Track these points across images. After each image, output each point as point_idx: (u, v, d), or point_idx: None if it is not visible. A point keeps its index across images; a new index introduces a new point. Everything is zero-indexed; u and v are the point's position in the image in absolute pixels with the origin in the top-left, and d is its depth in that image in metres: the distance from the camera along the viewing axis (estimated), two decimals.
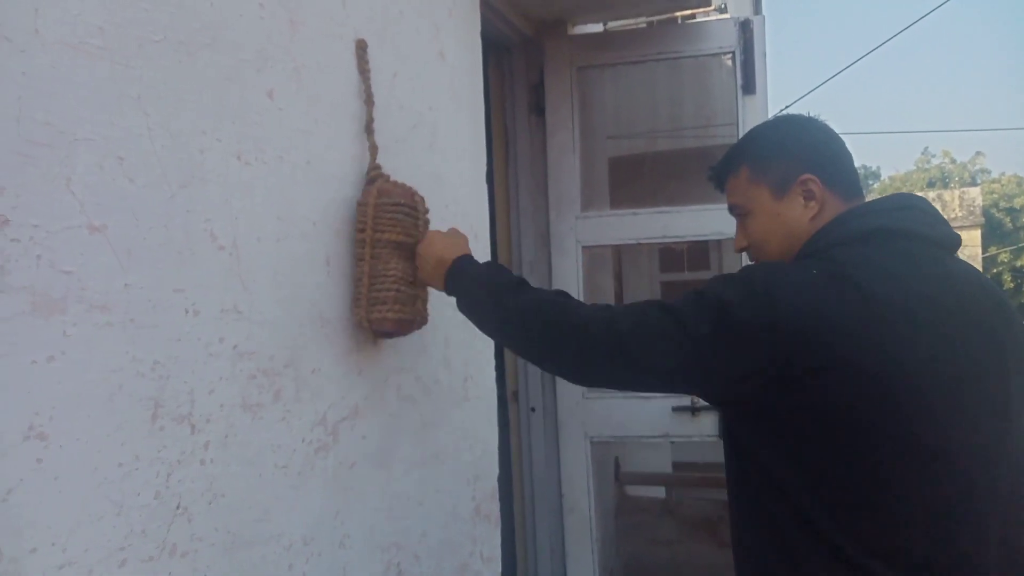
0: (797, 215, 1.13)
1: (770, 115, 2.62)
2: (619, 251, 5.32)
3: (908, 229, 1.04)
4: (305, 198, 1.23)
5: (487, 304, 1.24)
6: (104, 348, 0.88)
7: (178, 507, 0.97)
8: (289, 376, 1.18)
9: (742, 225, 1.20)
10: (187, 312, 1.00)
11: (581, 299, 2.68)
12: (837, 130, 1.21)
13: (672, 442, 4.55)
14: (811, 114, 1.20)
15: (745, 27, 2.55)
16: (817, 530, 0.96)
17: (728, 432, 1.11)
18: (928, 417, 0.94)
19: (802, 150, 1.14)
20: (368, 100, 1.37)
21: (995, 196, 25.52)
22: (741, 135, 2.58)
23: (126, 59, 0.92)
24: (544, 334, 1.14)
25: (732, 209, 1.22)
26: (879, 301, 0.95)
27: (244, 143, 1.10)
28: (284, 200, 1.18)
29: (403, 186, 1.36)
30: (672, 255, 7.75)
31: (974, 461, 0.96)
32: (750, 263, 1.14)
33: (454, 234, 1.37)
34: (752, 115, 2.56)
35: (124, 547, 0.89)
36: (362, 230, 1.30)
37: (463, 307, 1.30)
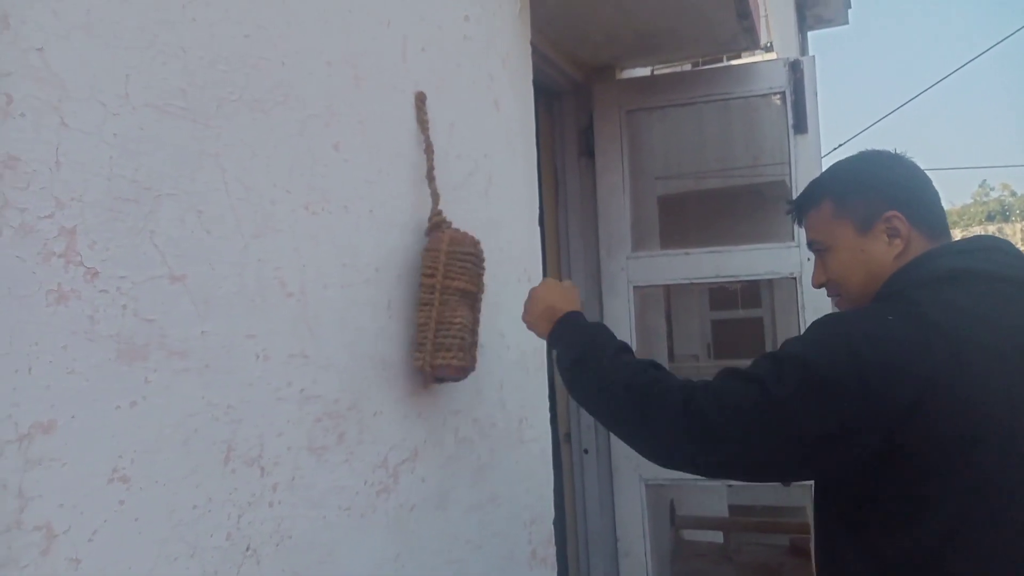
0: (880, 252, 1.11)
1: (823, 153, 2.61)
2: (669, 290, 5.28)
3: (992, 271, 1.02)
4: (368, 245, 1.27)
5: (582, 363, 1.22)
6: (182, 393, 0.92)
7: (248, 548, 1.00)
8: (352, 419, 1.21)
9: (821, 261, 1.19)
10: (258, 357, 1.03)
11: (633, 339, 2.69)
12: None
13: (729, 485, 4.45)
14: (896, 151, 1.18)
15: (795, 67, 2.55)
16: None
17: (820, 493, 1.08)
18: (1019, 460, 0.92)
19: (888, 186, 1.12)
20: (428, 149, 1.41)
21: None
22: (793, 173, 2.57)
23: (206, 119, 0.97)
24: (626, 406, 1.11)
25: (811, 244, 1.20)
26: (961, 342, 0.93)
27: (312, 194, 1.15)
28: (349, 248, 1.22)
29: (469, 235, 1.40)
30: (723, 293, 7.67)
31: None
32: (822, 316, 1.11)
33: (569, 288, 1.38)
34: (804, 153, 2.55)
35: None
36: (431, 275, 1.33)
37: (560, 356, 1.29)
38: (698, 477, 2.73)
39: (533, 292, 1.37)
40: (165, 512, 0.89)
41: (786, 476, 1.08)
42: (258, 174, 1.05)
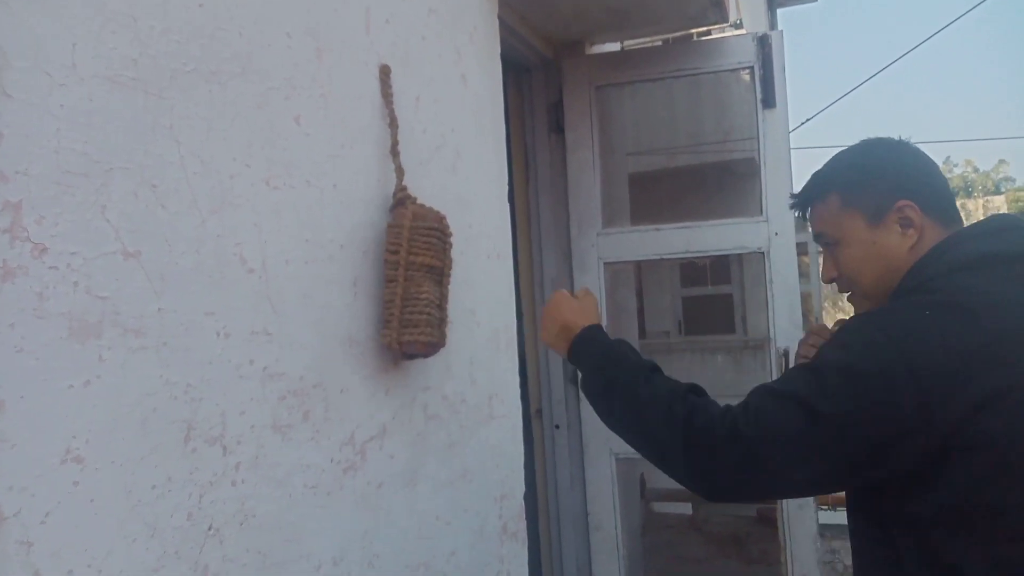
0: (894, 244, 1.07)
1: (790, 128, 2.62)
2: (640, 267, 5.31)
3: (1011, 252, 0.99)
4: (332, 221, 1.25)
5: (611, 390, 1.15)
6: (138, 372, 0.90)
7: (210, 528, 0.99)
8: (318, 397, 1.19)
9: (831, 255, 1.14)
10: (218, 335, 1.01)
11: (604, 316, 2.70)
12: (854, 141, 1.17)
13: None
14: (901, 138, 1.14)
15: (763, 42, 2.55)
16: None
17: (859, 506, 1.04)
18: None
19: (897, 175, 1.08)
20: (392, 123, 1.39)
21: (1020, 204, 25.17)
22: (762, 148, 2.58)
23: (159, 90, 0.94)
24: (665, 438, 1.03)
25: (819, 238, 1.16)
26: (1000, 329, 0.90)
27: (273, 168, 1.12)
28: (312, 223, 1.20)
29: (433, 210, 1.38)
30: (694, 270, 7.72)
31: None
32: (845, 320, 1.06)
33: (583, 297, 1.32)
34: (773, 128, 2.56)
35: (158, 569, 0.91)
36: (395, 252, 1.31)
37: (585, 380, 1.23)
38: None
39: (546, 311, 1.31)
40: (122, 493, 0.87)
41: (830, 490, 1.02)
42: (215, 147, 1.02)
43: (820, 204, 1.15)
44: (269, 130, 1.12)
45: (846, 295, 1.19)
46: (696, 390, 1.08)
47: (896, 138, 1.15)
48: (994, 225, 1.04)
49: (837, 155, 1.17)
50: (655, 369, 1.15)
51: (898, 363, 0.89)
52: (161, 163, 0.94)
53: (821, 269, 1.19)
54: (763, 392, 0.99)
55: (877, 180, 1.09)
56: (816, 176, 1.17)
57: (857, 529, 1.07)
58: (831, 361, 0.94)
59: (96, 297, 0.85)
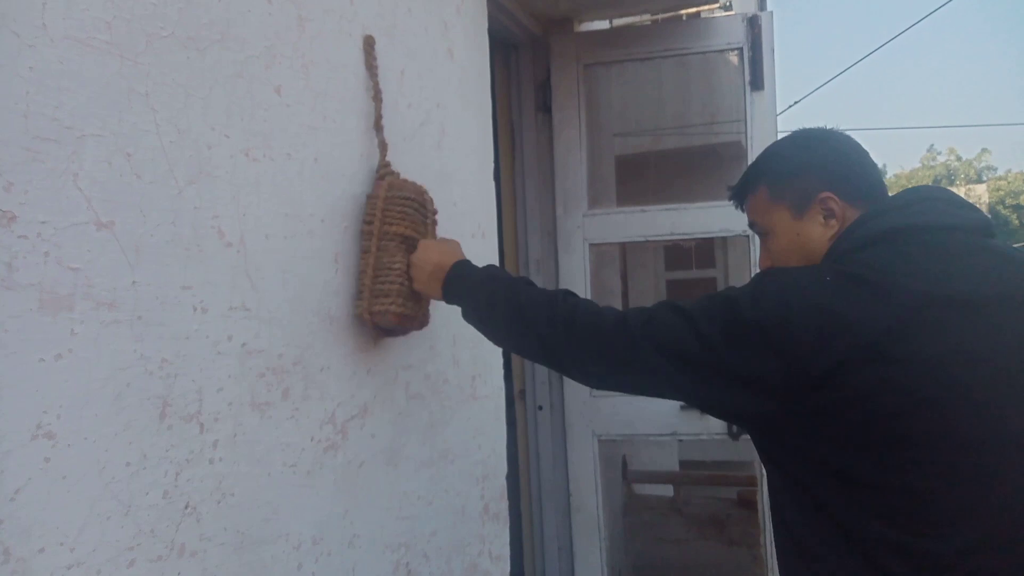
0: (817, 235, 1.12)
1: (778, 111, 2.61)
2: (625, 249, 5.30)
3: (930, 223, 1.02)
4: (313, 195, 1.22)
5: (490, 306, 1.23)
6: (112, 346, 0.87)
7: (187, 506, 0.97)
8: (298, 374, 1.17)
9: (764, 244, 1.20)
10: (195, 310, 0.99)
11: (588, 297, 2.69)
12: (843, 127, 1.20)
13: (680, 440, 4.54)
14: (829, 126, 1.18)
15: (753, 23, 2.53)
16: (855, 529, 0.95)
17: (760, 449, 1.09)
18: (966, 407, 0.92)
19: (820, 167, 1.13)
20: (376, 97, 1.36)
21: (1001, 193, 25.44)
22: (749, 131, 2.57)
23: (134, 55, 0.91)
24: (553, 333, 1.13)
25: (752, 227, 1.21)
26: (898, 295, 0.93)
27: (252, 139, 1.09)
28: (292, 197, 1.17)
29: (413, 183, 1.35)
30: (678, 253, 7.73)
31: (1017, 450, 0.93)
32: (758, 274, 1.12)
33: (447, 241, 1.36)
34: (760, 111, 2.55)
35: (133, 547, 0.89)
36: (369, 222, 1.29)
37: (466, 312, 1.29)
38: (651, 433, 2.77)
39: (413, 259, 1.32)
40: (95, 469, 0.85)
41: (706, 409, 1.11)
42: (193, 116, 0.99)
43: (752, 196, 1.20)
44: (249, 100, 1.09)
45: None
46: (570, 293, 1.18)
47: (825, 128, 1.18)
48: (912, 196, 1.08)
49: (768, 147, 1.22)
50: (529, 282, 1.24)
51: (776, 313, 0.95)
52: (136, 131, 0.91)
53: (759, 257, 1.24)
54: (664, 303, 1.07)
55: (801, 173, 1.13)
56: (749, 169, 1.22)
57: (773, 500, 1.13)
58: (726, 293, 1.02)
59: (67, 268, 0.83)
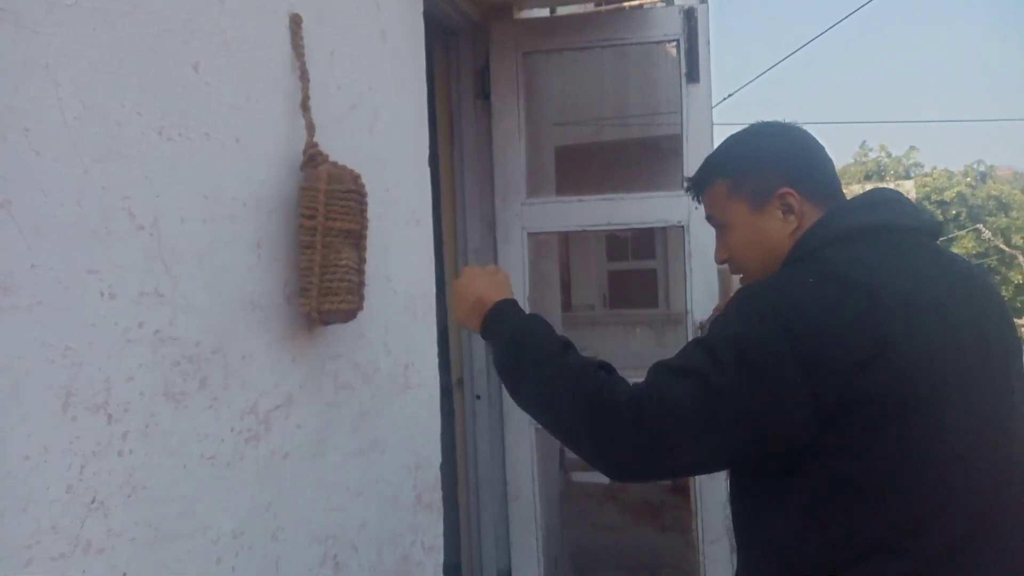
0: (776, 230, 1.11)
1: (713, 103, 2.64)
2: (567, 239, 5.33)
3: (890, 222, 1.05)
4: (234, 178, 1.18)
5: (520, 365, 1.14)
6: (9, 332, 0.82)
7: (93, 501, 0.92)
8: (217, 363, 1.13)
9: (721, 237, 1.19)
10: (102, 295, 0.94)
11: (525, 287, 2.68)
12: (771, 118, 1.21)
13: None
14: (787, 120, 1.18)
15: (690, 15, 2.55)
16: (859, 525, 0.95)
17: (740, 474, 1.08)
18: (951, 402, 0.94)
19: (778, 162, 1.13)
20: (303, 76, 1.32)
21: (927, 189, 26.44)
22: (685, 123, 2.60)
23: (32, 23, 0.85)
24: (573, 417, 1.03)
25: (710, 219, 1.21)
26: (882, 294, 0.95)
27: (167, 118, 1.04)
28: (211, 179, 1.13)
29: (348, 169, 1.31)
30: (620, 244, 7.82)
31: (997, 438, 0.98)
32: (740, 288, 1.08)
33: (494, 272, 1.31)
34: (696, 103, 2.58)
35: (31, 544, 0.84)
36: (311, 216, 1.24)
37: (496, 353, 1.21)
38: None
39: (456, 287, 1.29)
40: None
41: (738, 463, 1.05)
42: (100, 91, 0.94)
43: (709, 189, 1.19)
44: (163, 76, 1.04)
45: (738, 276, 1.24)
46: (606, 367, 1.07)
47: (783, 122, 1.18)
48: (878, 197, 1.10)
49: (726, 140, 1.22)
50: (568, 346, 1.13)
51: (783, 340, 0.92)
52: (35, 104, 0.86)
53: (715, 250, 1.22)
54: (661, 369, 1.00)
55: (759, 168, 1.13)
56: (707, 161, 1.21)
57: (739, 505, 1.10)
58: (721, 334, 0.97)
59: None
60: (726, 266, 1.24)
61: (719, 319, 1.01)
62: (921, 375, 0.93)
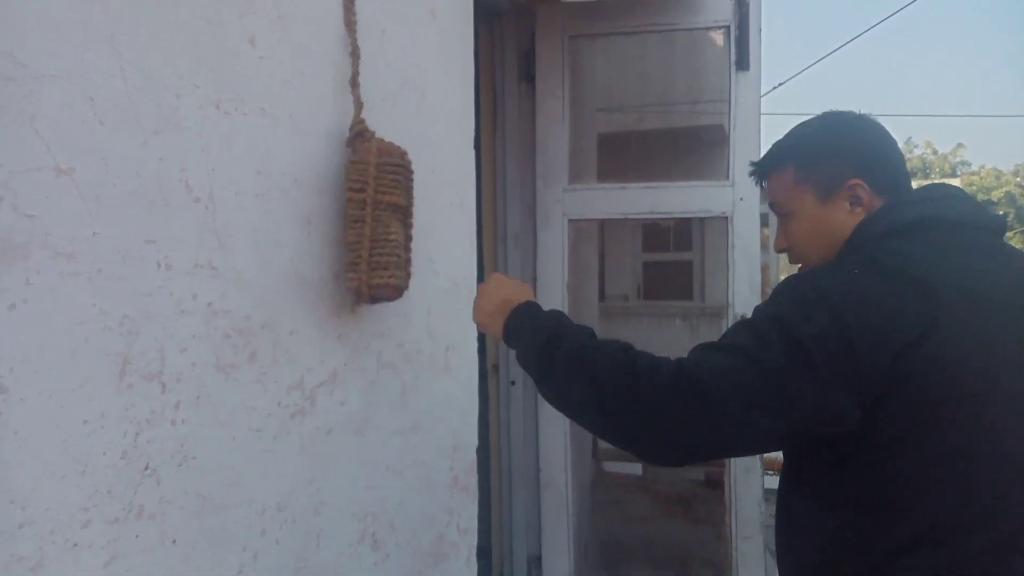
0: (842, 220, 1.09)
1: (762, 92, 2.59)
2: (603, 230, 5.28)
3: (955, 218, 1.03)
4: (287, 153, 1.18)
5: (550, 344, 1.10)
6: (69, 299, 0.84)
7: (146, 468, 0.94)
8: (266, 337, 1.14)
9: (784, 225, 1.17)
10: (159, 265, 0.95)
11: (565, 274, 2.67)
12: (820, 110, 1.18)
13: None
14: (862, 112, 1.15)
15: (741, 1, 2.50)
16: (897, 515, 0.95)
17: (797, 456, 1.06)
18: (1002, 399, 0.93)
19: (851, 152, 1.10)
20: (354, 52, 1.31)
21: (974, 188, 25.80)
22: (733, 111, 2.55)
23: None
24: (613, 389, 0.99)
25: (773, 206, 1.18)
26: (931, 289, 0.93)
27: (223, 91, 1.05)
28: (264, 154, 1.13)
29: (396, 145, 1.31)
30: (656, 234, 7.74)
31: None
32: (781, 284, 1.04)
33: (520, 283, 1.31)
34: (745, 91, 2.53)
35: (88, 508, 0.86)
36: (361, 190, 1.23)
37: (523, 347, 1.18)
38: None
39: (483, 288, 1.28)
40: (51, 426, 0.82)
41: (780, 445, 1.01)
42: (160, 62, 0.95)
43: (776, 175, 1.16)
44: (221, 49, 1.04)
45: (798, 266, 1.21)
46: (628, 347, 1.04)
47: (856, 112, 1.16)
48: (938, 192, 1.08)
49: (798, 126, 1.19)
50: (593, 334, 1.12)
51: (832, 325, 0.91)
52: (99, 74, 0.86)
53: (775, 238, 1.20)
54: (703, 347, 0.98)
55: (831, 157, 1.11)
56: (776, 146, 1.18)
57: (791, 494, 1.09)
58: (768, 313, 0.96)
59: (24, 215, 0.79)
60: (767, 260, 1.21)
61: (760, 306, 1.01)
62: (968, 368, 0.92)
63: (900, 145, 1.15)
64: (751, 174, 1.24)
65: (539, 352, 1.12)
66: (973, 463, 0.92)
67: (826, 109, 1.19)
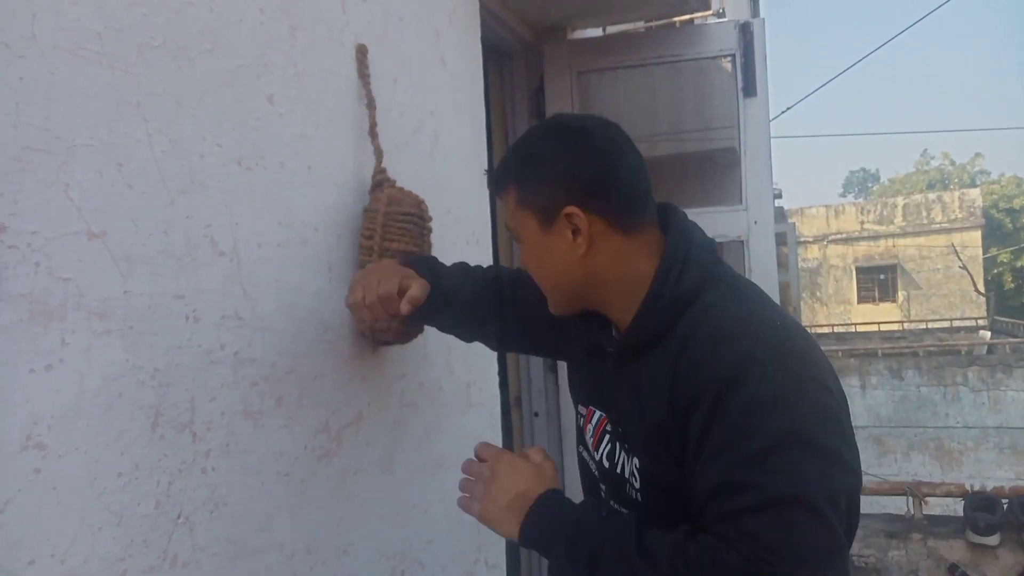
0: (565, 251, 0.95)
1: (771, 116, 2.61)
2: None
3: (714, 252, 0.99)
4: (306, 204, 1.22)
5: (594, 561, 0.88)
6: (103, 356, 0.87)
7: (179, 516, 0.96)
8: (291, 383, 1.17)
9: (520, 248, 1.03)
10: (187, 319, 0.99)
11: None
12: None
13: None
14: (587, 120, 0.99)
15: (745, 30, 2.54)
16: None
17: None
18: None
19: (567, 175, 0.94)
20: (370, 104, 1.36)
21: (995, 197, 25.52)
22: (742, 137, 2.58)
23: (125, 65, 0.91)
24: None
25: (508, 229, 1.04)
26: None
27: (244, 148, 1.09)
28: (285, 206, 1.17)
29: (411, 194, 1.35)
30: None
31: None
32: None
33: (542, 461, 1.01)
34: (753, 117, 2.56)
35: (124, 558, 0.88)
36: (370, 237, 1.28)
37: (555, 558, 0.95)
38: None
39: (496, 474, 0.99)
40: (87, 480, 0.85)
41: None
42: (184, 126, 0.99)
43: (503, 194, 1.01)
44: (240, 109, 1.09)
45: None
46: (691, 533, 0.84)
47: (579, 118, 1.00)
48: (685, 220, 1.01)
49: (520, 139, 1.03)
50: (639, 523, 0.89)
51: (833, 408, 0.85)
52: (127, 141, 0.91)
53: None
54: (775, 507, 0.78)
55: (548, 180, 0.95)
56: (501, 163, 1.03)
57: None
58: (804, 439, 0.80)
59: (58, 278, 0.83)
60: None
61: (772, 417, 0.82)
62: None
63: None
64: (488, 185, 1.12)
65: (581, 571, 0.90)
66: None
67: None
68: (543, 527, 0.93)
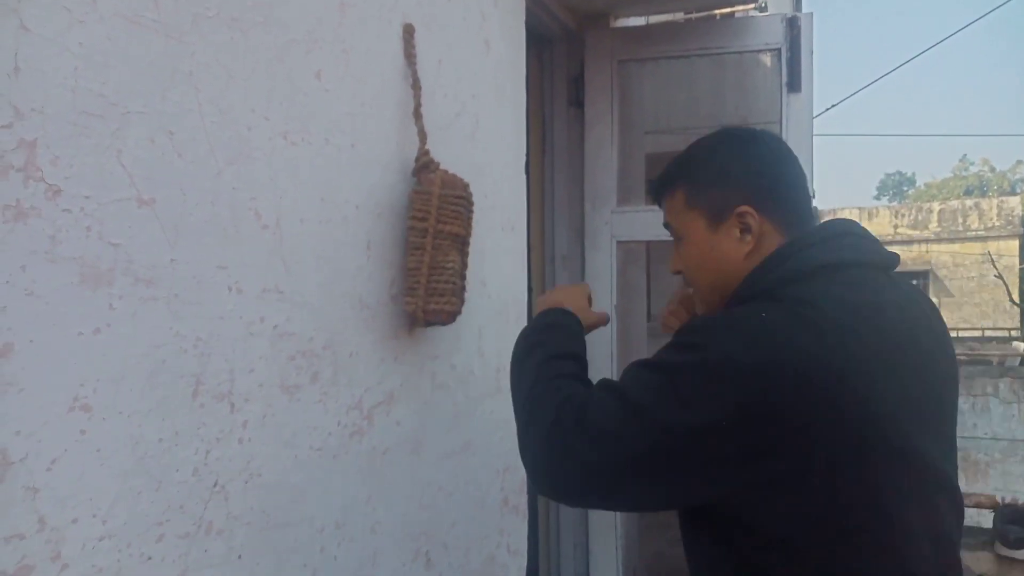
0: (731, 249, 1.02)
1: (814, 114, 2.57)
2: (649, 251, 5.26)
3: (854, 259, 0.97)
4: (349, 181, 1.22)
5: (520, 362, 1.12)
6: (148, 322, 0.88)
7: (215, 485, 0.97)
8: (327, 358, 1.18)
9: (677, 248, 1.11)
10: (230, 290, 0.99)
11: (613, 295, 2.67)
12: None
13: None
14: (758, 128, 1.08)
15: (792, 24, 2.50)
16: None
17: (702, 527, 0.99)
18: (911, 455, 0.88)
19: (742, 177, 1.02)
20: (415, 85, 1.36)
21: None
22: (784, 133, 2.54)
23: (180, 34, 0.91)
24: (525, 416, 1.04)
25: (667, 227, 1.12)
26: (842, 339, 0.87)
27: (291, 123, 1.10)
28: (328, 182, 1.18)
29: (459, 178, 1.36)
30: None
31: (945, 478, 0.93)
32: (692, 326, 0.99)
33: (575, 286, 1.28)
34: (796, 113, 2.51)
35: (162, 522, 0.90)
36: (423, 219, 1.29)
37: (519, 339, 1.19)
38: None
39: (541, 298, 1.26)
40: (129, 444, 0.86)
41: (676, 506, 0.99)
42: (234, 97, 1.00)
43: (669, 197, 1.10)
44: (289, 83, 1.09)
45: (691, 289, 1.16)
46: (586, 382, 1.03)
47: (754, 130, 1.09)
48: (838, 230, 1.01)
49: (691, 146, 1.12)
50: (578, 358, 1.09)
51: (760, 364, 0.85)
52: (179, 110, 0.92)
53: (671, 260, 1.13)
54: (613, 391, 0.93)
55: (720, 182, 1.04)
56: (669, 166, 1.12)
57: (695, 546, 1.04)
58: (686, 364, 0.88)
59: (109, 244, 0.83)
60: None
61: (673, 349, 0.93)
62: (886, 430, 0.86)
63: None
64: (648, 191, 1.21)
65: (513, 360, 1.15)
66: (898, 529, 0.87)
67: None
68: (527, 329, 1.19)
